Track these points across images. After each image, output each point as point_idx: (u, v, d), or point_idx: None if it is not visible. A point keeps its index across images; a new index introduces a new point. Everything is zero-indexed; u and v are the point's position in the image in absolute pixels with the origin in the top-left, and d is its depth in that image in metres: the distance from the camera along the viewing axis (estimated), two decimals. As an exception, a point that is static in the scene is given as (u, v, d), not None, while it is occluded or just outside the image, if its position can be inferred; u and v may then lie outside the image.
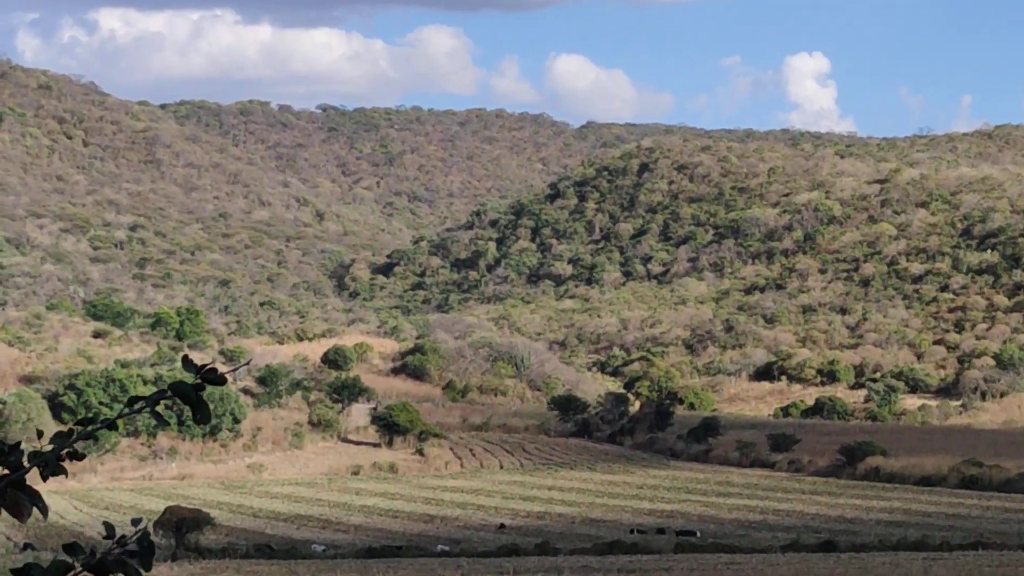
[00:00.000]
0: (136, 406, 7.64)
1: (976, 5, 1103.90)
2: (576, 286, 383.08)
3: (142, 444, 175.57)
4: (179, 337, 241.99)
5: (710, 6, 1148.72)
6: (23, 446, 7.40)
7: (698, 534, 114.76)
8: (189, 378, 7.57)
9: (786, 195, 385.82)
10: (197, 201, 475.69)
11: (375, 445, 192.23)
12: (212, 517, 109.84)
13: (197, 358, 8.14)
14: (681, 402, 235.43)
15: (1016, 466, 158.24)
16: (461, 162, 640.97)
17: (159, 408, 7.70)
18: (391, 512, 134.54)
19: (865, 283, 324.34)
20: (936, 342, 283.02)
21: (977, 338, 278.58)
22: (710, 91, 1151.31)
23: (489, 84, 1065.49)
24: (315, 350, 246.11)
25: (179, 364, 8.24)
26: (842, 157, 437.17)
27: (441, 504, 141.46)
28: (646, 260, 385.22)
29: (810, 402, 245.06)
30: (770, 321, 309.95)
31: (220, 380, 7.56)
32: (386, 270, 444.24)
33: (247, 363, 11.91)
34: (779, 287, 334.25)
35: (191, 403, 7.57)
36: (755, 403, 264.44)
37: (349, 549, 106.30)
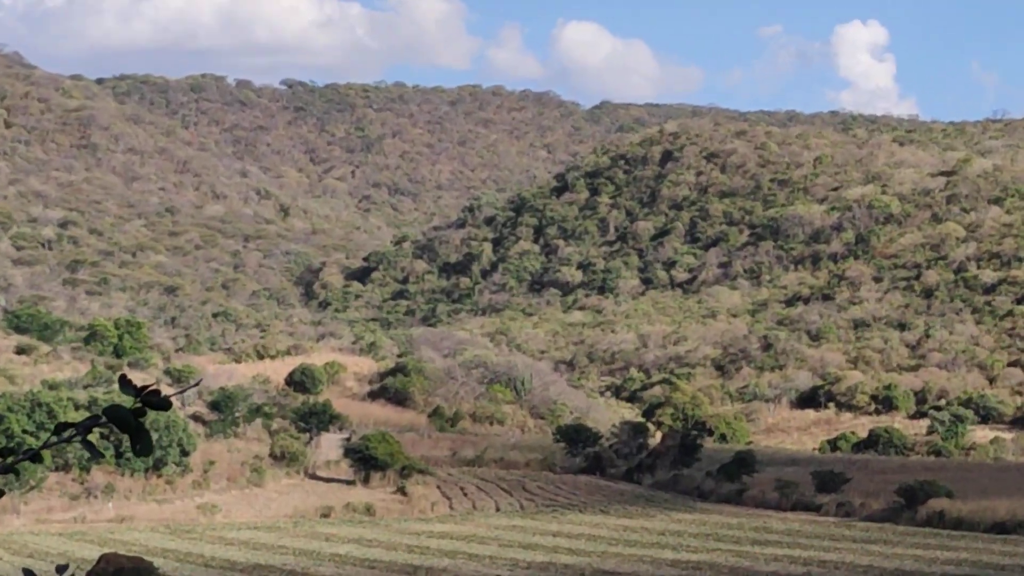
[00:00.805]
0: (65, 434, 7.67)
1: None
2: (586, 295, 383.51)
3: (73, 480, 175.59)
4: (117, 354, 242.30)
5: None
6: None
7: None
8: (128, 401, 7.59)
9: (835, 189, 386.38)
10: (139, 193, 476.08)
11: (349, 483, 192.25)
12: (155, 567, 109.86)
13: (137, 378, 8.17)
14: (710, 433, 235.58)
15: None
16: (451, 148, 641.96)
17: (92, 437, 7.72)
18: (367, 562, 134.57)
19: (928, 294, 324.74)
20: (1011, 364, 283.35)
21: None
22: (746, 66, 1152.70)
23: (486, 56, 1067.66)
24: (278, 370, 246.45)
25: (116, 385, 8.12)
26: (901, 145, 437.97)
27: (426, 553, 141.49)
28: (669, 265, 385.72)
29: (863, 434, 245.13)
30: (815, 338, 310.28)
31: (164, 404, 7.59)
32: (362, 276, 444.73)
33: (196, 384, 11.74)
34: (826, 298, 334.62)
35: (130, 431, 7.59)
36: (797, 435, 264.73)
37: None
